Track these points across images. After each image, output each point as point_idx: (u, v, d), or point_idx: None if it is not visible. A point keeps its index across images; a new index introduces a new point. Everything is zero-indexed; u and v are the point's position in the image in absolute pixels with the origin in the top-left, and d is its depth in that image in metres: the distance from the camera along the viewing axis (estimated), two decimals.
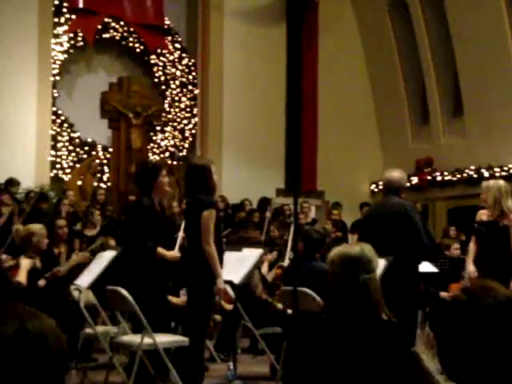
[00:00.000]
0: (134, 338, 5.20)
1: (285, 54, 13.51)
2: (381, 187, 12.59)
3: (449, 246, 8.40)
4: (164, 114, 12.97)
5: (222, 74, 13.10)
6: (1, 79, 11.27)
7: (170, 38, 13.06)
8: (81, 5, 12.11)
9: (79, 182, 11.98)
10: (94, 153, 12.32)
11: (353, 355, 2.35)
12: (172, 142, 13.05)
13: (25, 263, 4.98)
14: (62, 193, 10.75)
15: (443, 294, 7.46)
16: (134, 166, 9.26)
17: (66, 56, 12.20)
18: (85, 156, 12.23)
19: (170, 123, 13.06)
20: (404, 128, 13.67)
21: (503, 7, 11.34)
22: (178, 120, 13.15)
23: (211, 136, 13.08)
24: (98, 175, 12.28)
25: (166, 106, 13.04)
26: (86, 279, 5.84)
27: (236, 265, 5.45)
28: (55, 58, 12.01)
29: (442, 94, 12.88)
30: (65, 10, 12.10)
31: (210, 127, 13.09)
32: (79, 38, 12.26)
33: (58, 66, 12.06)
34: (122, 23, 12.61)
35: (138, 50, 12.87)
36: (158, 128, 12.94)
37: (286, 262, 7.43)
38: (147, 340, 5.01)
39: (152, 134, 12.88)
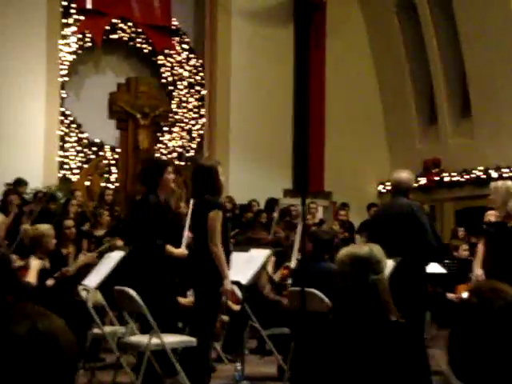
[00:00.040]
0: (141, 339, 5.21)
1: (292, 55, 13.51)
2: (388, 188, 12.58)
3: (457, 247, 8.39)
4: (171, 115, 12.99)
5: (229, 74, 13.11)
6: (9, 80, 11.31)
7: (177, 38, 13.08)
8: (89, 6, 12.15)
9: (87, 183, 12.01)
10: (101, 153, 12.35)
11: (361, 356, 2.35)
12: (179, 143, 13.06)
13: (35, 264, 4.99)
14: (70, 193, 10.78)
15: (450, 295, 7.44)
16: (140, 164, 9.29)
17: (74, 57, 12.23)
18: (93, 156, 12.26)
19: (178, 124, 13.08)
20: (412, 129, 13.64)
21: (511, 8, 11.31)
22: (186, 120, 13.17)
23: (219, 137, 13.10)
24: (106, 176, 12.30)
25: (174, 106, 13.06)
26: (94, 279, 5.85)
27: (244, 265, 5.45)
28: (63, 58, 12.04)
29: (449, 94, 12.86)
30: (73, 10, 12.13)
31: (217, 128, 13.10)
32: (87, 39, 12.30)
33: (66, 67, 12.10)
34: (129, 24, 12.64)
35: (145, 50, 12.89)
36: (166, 128, 12.96)
37: (293, 263, 7.42)
38: (155, 340, 5.01)
39: (159, 134, 12.90)
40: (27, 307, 1.21)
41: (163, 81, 13.08)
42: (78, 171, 12.06)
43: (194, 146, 13.16)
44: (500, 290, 1.49)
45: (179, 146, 13.04)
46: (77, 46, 12.23)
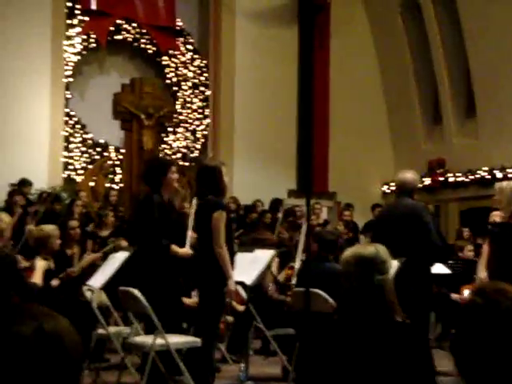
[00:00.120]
0: (146, 339, 5.21)
1: (296, 55, 13.51)
2: (392, 188, 12.57)
3: (462, 247, 8.37)
4: (176, 116, 12.99)
5: (233, 75, 13.12)
6: (14, 81, 11.34)
7: (181, 39, 13.09)
8: (93, 7, 12.16)
9: (91, 183, 12.02)
10: (106, 154, 12.36)
11: (366, 357, 2.35)
12: (184, 143, 13.07)
13: (40, 265, 5.01)
14: (75, 194, 10.79)
15: (454, 295, 7.43)
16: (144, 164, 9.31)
17: (78, 57, 12.25)
18: (97, 157, 12.27)
19: (182, 124, 13.08)
20: (416, 129, 13.63)
21: None
22: (190, 121, 13.17)
23: (223, 137, 13.10)
24: (110, 176, 12.32)
25: (178, 107, 13.06)
26: (98, 280, 5.86)
27: (248, 266, 5.45)
28: (68, 59, 12.06)
29: (454, 94, 12.84)
30: (78, 11, 12.15)
31: (221, 128, 13.10)
32: (92, 40, 12.31)
33: (70, 68, 12.11)
34: (134, 25, 12.65)
35: (150, 51, 12.90)
36: (170, 129, 12.97)
37: (297, 263, 7.41)
38: (160, 341, 5.02)
39: (164, 135, 12.91)
40: (33, 308, 1.22)
41: (167, 81, 13.10)
42: (82, 172, 12.08)
43: (198, 146, 13.16)
44: (505, 291, 1.49)
45: (183, 147, 13.05)
46: (81, 46, 12.24)
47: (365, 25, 14.07)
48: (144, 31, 12.73)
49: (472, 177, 12.25)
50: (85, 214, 9.97)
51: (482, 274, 6.32)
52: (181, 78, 13.13)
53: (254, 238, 7.55)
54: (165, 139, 12.91)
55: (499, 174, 11.56)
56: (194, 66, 13.24)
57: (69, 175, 11.93)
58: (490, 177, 11.77)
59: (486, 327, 1.41)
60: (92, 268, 6.32)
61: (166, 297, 5.26)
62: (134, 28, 12.67)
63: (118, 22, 12.51)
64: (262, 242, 7.13)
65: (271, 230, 9.69)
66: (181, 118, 13.06)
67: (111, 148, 12.41)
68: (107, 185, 12.08)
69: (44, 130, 11.62)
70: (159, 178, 5.42)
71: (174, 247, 5.36)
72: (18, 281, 4.55)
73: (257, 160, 12.90)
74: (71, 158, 12.04)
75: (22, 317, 1.17)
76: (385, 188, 13.90)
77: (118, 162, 12.44)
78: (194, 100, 13.21)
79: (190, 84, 13.19)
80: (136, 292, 5.13)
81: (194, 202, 5.56)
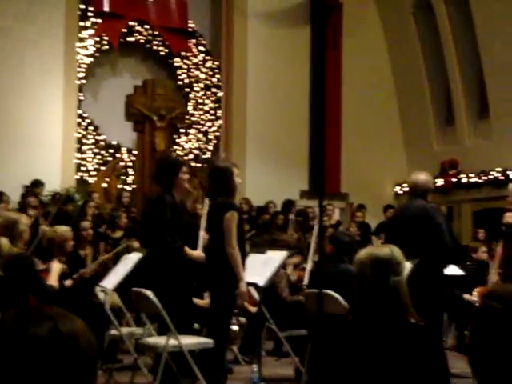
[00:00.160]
0: (159, 340, 5.22)
1: (309, 56, 13.49)
2: (405, 189, 12.52)
3: (476, 249, 8.32)
4: (188, 117, 13.02)
5: (245, 76, 13.13)
6: (27, 82, 11.40)
7: (194, 40, 13.11)
8: (106, 9, 12.21)
9: (104, 185, 12.06)
10: (118, 155, 12.40)
11: (380, 358, 2.34)
12: (196, 145, 13.09)
13: (56, 267, 5.03)
14: (87, 195, 10.84)
15: (467, 296, 7.40)
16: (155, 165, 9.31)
17: (91, 59, 12.29)
18: (110, 158, 12.32)
19: (194, 126, 13.11)
20: (429, 130, 13.58)
21: None
22: (202, 122, 13.19)
23: (235, 138, 13.11)
24: (123, 177, 12.36)
25: (190, 108, 13.09)
26: (111, 281, 5.88)
27: (260, 267, 5.45)
28: (81, 61, 12.11)
29: (467, 95, 12.78)
30: (90, 14, 12.20)
31: (233, 129, 13.11)
32: (104, 42, 12.36)
33: (83, 70, 12.16)
34: (146, 26, 12.68)
35: (162, 53, 12.94)
36: (182, 130, 13.00)
37: (309, 265, 7.41)
38: (172, 342, 5.03)
39: (176, 136, 12.93)
40: (48, 309, 1.22)
41: (180, 83, 13.12)
42: (95, 173, 12.12)
43: (210, 147, 13.18)
44: None
45: (196, 148, 13.07)
46: (94, 48, 12.29)
47: (377, 25, 14.04)
48: (156, 33, 12.76)
49: (485, 178, 12.18)
50: (97, 216, 10.00)
51: (494, 277, 6.28)
52: (193, 80, 13.15)
53: (271, 239, 7.53)
54: (177, 140, 12.94)
55: None
56: (206, 68, 13.26)
57: (81, 177, 11.98)
58: (503, 178, 11.70)
59: (504, 331, 1.40)
60: (104, 269, 6.34)
61: (178, 298, 5.26)
62: (146, 30, 12.71)
63: (131, 23, 12.55)
64: (278, 243, 7.12)
65: (283, 232, 9.70)
66: (193, 119, 13.08)
67: (124, 149, 12.46)
68: (119, 186, 12.12)
69: (57, 132, 11.68)
70: (170, 178, 5.42)
71: (188, 250, 5.35)
72: (36, 283, 4.58)
73: (269, 161, 12.90)
74: (84, 159, 12.09)
75: (38, 318, 1.18)
76: (397, 189, 13.85)
77: (130, 164, 12.48)
78: (206, 101, 13.23)
79: (202, 85, 13.20)
80: (149, 293, 5.15)
81: (207, 202, 5.56)
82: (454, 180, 12.72)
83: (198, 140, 13.11)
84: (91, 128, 12.21)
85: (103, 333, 5.81)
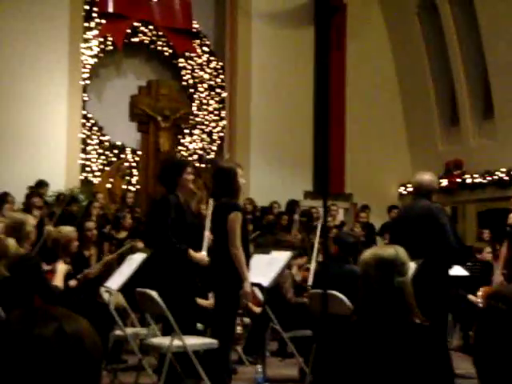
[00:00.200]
0: (163, 340, 5.22)
1: (313, 57, 13.49)
2: (409, 190, 12.51)
3: (481, 249, 8.31)
4: (192, 117, 13.03)
5: (249, 76, 13.13)
6: (31, 84, 11.42)
7: (198, 41, 13.12)
8: (110, 9, 12.23)
9: (108, 185, 12.08)
10: (123, 156, 12.42)
11: (384, 358, 2.34)
12: (200, 145, 13.10)
13: (61, 268, 5.05)
14: (92, 195, 10.85)
15: (471, 297, 7.39)
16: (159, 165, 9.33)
17: (95, 60, 12.32)
18: (114, 159, 12.34)
19: (198, 126, 13.12)
20: (433, 130, 13.56)
21: None
22: (206, 123, 13.21)
23: (239, 139, 13.12)
24: (127, 178, 12.38)
25: (194, 109, 13.10)
26: (116, 281, 5.88)
27: (265, 268, 5.45)
28: (85, 62, 12.13)
29: (471, 95, 12.76)
30: (95, 14, 12.22)
31: (237, 130, 13.12)
32: (109, 43, 12.38)
33: (87, 70, 12.19)
34: (150, 27, 12.70)
35: (166, 53, 12.95)
36: (187, 131, 13.01)
37: (313, 265, 7.41)
38: (177, 342, 5.03)
39: (180, 136, 12.95)
40: (53, 309, 1.23)
41: (184, 83, 13.13)
42: (99, 174, 12.15)
43: (214, 148, 13.19)
44: None
45: (200, 149, 13.08)
46: (98, 49, 12.31)
47: (381, 25, 14.03)
48: (160, 33, 12.78)
49: (490, 178, 12.16)
50: (102, 216, 10.01)
51: (498, 278, 6.27)
52: (197, 80, 13.16)
53: (275, 240, 7.53)
54: (181, 141, 12.95)
55: None
56: (211, 68, 13.27)
57: (86, 177, 12.00)
58: (507, 178, 11.68)
59: (509, 332, 1.39)
60: (109, 270, 6.34)
61: (182, 298, 5.26)
62: (150, 30, 12.73)
63: (135, 24, 12.57)
64: (282, 243, 7.12)
65: (287, 232, 9.70)
66: (197, 119, 13.09)
67: (128, 150, 12.47)
68: (124, 187, 12.14)
69: (61, 132, 11.70)
70: (174, 178, 5.42)
71: (191, 252, 5.35)
72: (42, 283, 4.59)
73: (273, 161, 12.90)
74: (88, 159, 12.11)
75: (44, 318, 1.18)
76: (401, 189, 13.84)
77: (134, 164, 12.50)
78: (211, 102, 13.24)
79: (206, 86, 13.22)
80: (153, 293, 5.15)
81: (211, 202, 5.56)
82: (458, 180, 12.70)
83: (202, 140, 13.12)
84: (95, 128, 12.23)
85: (108, 333, 5.82)
